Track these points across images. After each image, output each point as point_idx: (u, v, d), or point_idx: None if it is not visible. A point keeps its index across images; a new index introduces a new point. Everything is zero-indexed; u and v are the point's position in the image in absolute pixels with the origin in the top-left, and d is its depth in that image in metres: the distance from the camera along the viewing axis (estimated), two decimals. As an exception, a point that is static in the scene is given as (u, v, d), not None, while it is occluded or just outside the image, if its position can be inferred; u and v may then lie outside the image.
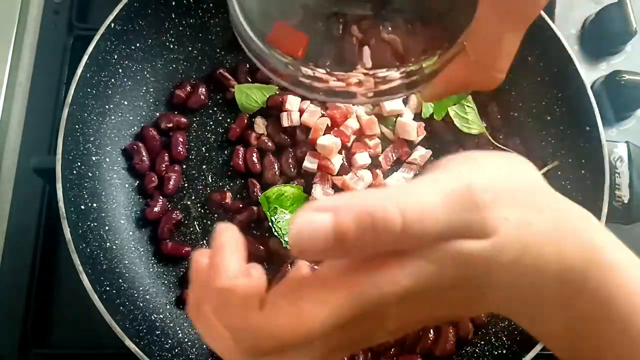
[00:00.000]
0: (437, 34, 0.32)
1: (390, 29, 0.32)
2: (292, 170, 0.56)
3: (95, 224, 0.52)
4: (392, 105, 0.57)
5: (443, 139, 0.59)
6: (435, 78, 0.31)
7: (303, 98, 0.58)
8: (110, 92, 0.55)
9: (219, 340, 0.25)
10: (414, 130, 0.57)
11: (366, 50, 0.31)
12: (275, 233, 0.53)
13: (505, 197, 0.25)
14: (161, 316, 0.52)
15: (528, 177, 0.27)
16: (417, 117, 0.59)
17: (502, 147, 0.58)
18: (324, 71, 0.29)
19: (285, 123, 0.57)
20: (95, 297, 0.46)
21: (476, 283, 0.25)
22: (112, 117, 0.55)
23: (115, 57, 0.55)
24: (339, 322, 0.23)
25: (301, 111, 0.57)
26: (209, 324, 0.24)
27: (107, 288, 0.49)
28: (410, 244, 0.23)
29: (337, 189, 0.56)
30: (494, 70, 0.30)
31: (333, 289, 0.23)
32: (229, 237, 0.25)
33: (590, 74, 0.64)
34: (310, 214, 0.22)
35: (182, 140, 0.57)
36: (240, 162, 0.57)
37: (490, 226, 0.24)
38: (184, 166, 0.57)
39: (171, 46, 0.58)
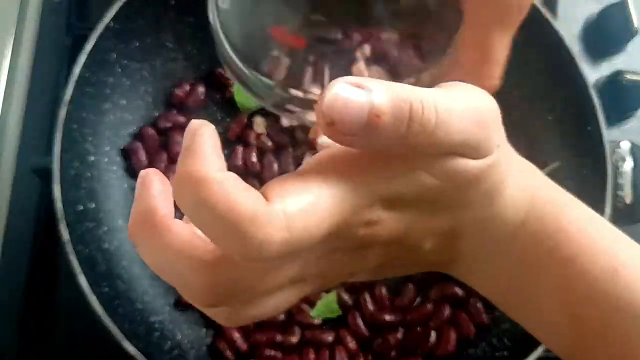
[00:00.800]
0: (429, 45, 0.31)
1: (382, 45, 0.31)
2: (292, 169, 0.56)
3: (94, 224, 0.51)
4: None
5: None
6: None
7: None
8: (108, 91, 0.55)
9: (185, 260, 0.21)
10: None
11: (358, 69, 0.31)
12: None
13: (499, 125, 0.25)
14: (160, 318, 0.52)
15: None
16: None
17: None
18: (316, 92, 0.29)
19: (285, 122, 0.57)
20: (93, 299, 0.46)
21: (453, 202, 0.25)
22: (111, 117, 0.55)
23: (114, 56, 0.54)
24: (345, 218, 0.22)
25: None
26: (171, 236, 0.21)
27: (106, 289, 0.49)
28: (424, 150, 0.22)
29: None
30: (487, 78, 0.29)
31: (344, 177, 0.22)
32: (209, 130, 0.22)
33: (591, 74, 0.64)
34: (344, 86, 0.20)
35: (180, 140, 0.56)
36: (239, 162, 0.56)
37: (489, 149, 0.24)
38: (183, 166, 0.57)
39: (170, 45, 0.58)
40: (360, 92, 0.20)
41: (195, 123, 0.22)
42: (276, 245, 0.20)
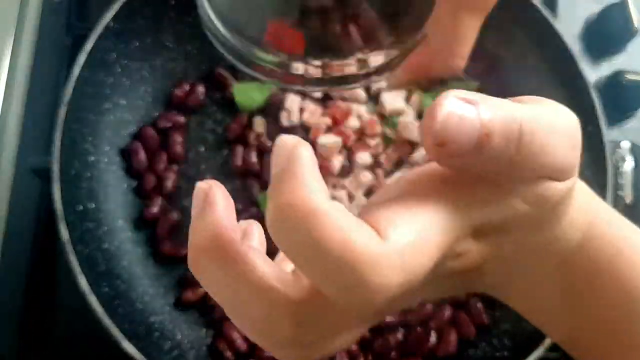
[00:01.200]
0: (401, 23, 0.31)
1: (350, 17, 0.31)
2: (292, 170, 0.56)
3: (93, 224, 0.51)
4: (393, 104, 0.57)
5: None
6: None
7: (303, 97, 0.57)
8: (108, 91, 0.55)
9: (266, 301, 0.18)
10: (415, 130, 0.57)
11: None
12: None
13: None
14: (160, 318, 0.52)
15: None
16: (419, 116, 0.58)
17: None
18: (319, 63, 0.28)
19: (284, 122, 0.56)
20: (93, 299, 0.46)
21: (531, 227, 0.23)
22: (111, 117, 0.55)
23: (114, 56, 0.54)
24: (446, 251, 0.20)
25: (301, 110, 0.57)
26: (248, 267, 0.18)
27: (106, 289, 0.49)
28: (525, 173, 0.21)
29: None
30: (454, 56, 0.28)
31: (445, 204, 0.20)
32: (308, 152, 0.18)
33: (592, 74, 0.64)
34: (456, 102, 0.19)
35: (180, 140, 0.56)
36: (239, 162, 0.56)
37: (575, 171, 0.22)
38: (183, 166, 0.57)
39: (170, 45, 0.58)
40: (471, 108, 0.19)
41: (289, 141, 0.19)
42: (393, 289, 0.17)
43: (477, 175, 0.21)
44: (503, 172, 0.20)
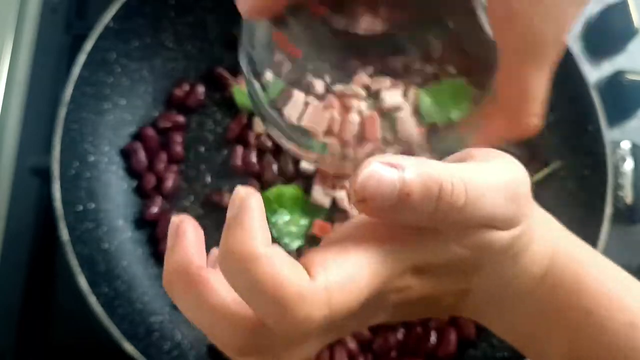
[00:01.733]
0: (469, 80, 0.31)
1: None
2: (292, 170, 0.56)
3: (93, 224, 0.51)
4: (391, 100, 0.57)
5: (444, 139, 0.58)
6: (474, 134, 0.31)
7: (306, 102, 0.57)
8: (108, 91, 0.54)
9: (224, 321, 0.22)
10: (412, 125, 0.57)
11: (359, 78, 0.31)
12: (274, 234, 0.53)
13: (529, 196, 0.26)
14: (160, 318, 0.52)
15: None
16: (415, 112, 0.58)
17: (503, 147, 0.57)
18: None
19: (285, 123, 0.56)
20: (93, 299, 0.46)
21: (481, 267, 0.26)
22: (111, 117, 0.55)
23: (114, 56, 0.54)
24: (379, 288, 0.23)
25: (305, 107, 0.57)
26: (209, 292, 0.22)
27: (105, 290, 0.49)
28: (453, 225, 0.23)
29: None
30: (526, 116, 0.29)
31: (378, 248, 0.23)
32: (256, 202, 0.21)
33: (592, 74, 0.64)
34: (378, 165, 0.22)
35: (180, 140, 0.56)
36: (238, 162, 0.56)
37: (518, 221, 0.25)
38: (183, 166, 0.57)
39: (169, 45, 0.58)
40: (392, 171, 0.21)
41: (241, 192, 0.21)
42: (316, 322, 0.20)
43: (412, 225, 0.23)
44: (431, 224, 0.23)
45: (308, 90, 0.30)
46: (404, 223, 0.23)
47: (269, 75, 0.30)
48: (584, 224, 0.48)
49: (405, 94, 0.59)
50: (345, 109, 0.31)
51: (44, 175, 0.50)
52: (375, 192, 0.21)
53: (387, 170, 0.21)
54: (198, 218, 0.55)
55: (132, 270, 0.52)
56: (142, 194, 0.55)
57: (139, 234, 0.54)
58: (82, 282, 0.46)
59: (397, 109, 0.58)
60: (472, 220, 0.23)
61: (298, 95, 0.31)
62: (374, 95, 0.58)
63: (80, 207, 0.51)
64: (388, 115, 0.54)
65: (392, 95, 0.56)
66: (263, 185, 0.55)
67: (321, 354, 0.51)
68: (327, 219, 0.54)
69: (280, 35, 0.30)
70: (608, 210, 0.50)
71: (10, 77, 0.61)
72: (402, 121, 0.56)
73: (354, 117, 0.31)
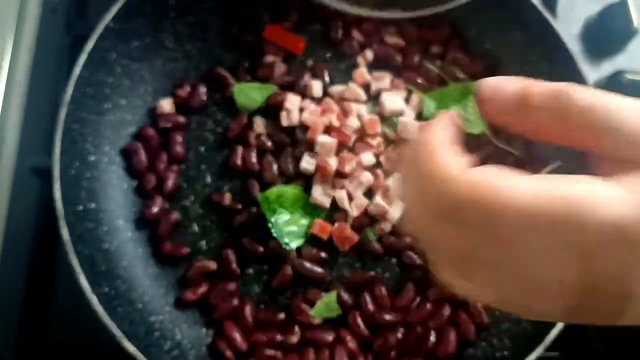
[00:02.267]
0: None
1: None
2: (292, 170, 0.56)
3: (94, 224, 0.51)
4: (393, 105, 0.57)
5: (444, 139, 0.58)
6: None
7: (303, 96, 0.57)
8: (108, 91, 0.55)
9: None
10: (415, 130, 0.57)
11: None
12: (275, 234, 0.53)
13: None
14: (160, 317, 0.52)
15: None
16: (419, 117, 0.58)
17: (503, 146, 0.57)
18: None
19: (284, 122, 0.56)
20: (93, 299, 0.46)
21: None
22: (111, 117, 0.55)
23: (114, 56, 0.54)
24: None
25: (301, 110, 0.57)
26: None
27: (106, 289, 0.49)
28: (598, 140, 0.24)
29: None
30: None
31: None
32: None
33: (592, 74, 0.64)
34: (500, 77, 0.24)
35: (180, 140, 0.56)
36: (239, 162, 0.56)
37: None
38: (183, 166, 0.57)
39: (170, 45, 0.58)
40: (514, 79, 0.27)
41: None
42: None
43: None
44: (563, 133, 0.24)
45: None
46: (534, 126, 0.24)
47: None
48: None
49: (408, 100, 0.59)
50: None
51: (44, 175, 0.50)
52: (496, 91, 0.24)
53: (508, 79, 0.24)
54: (198, 218, 0.55)
55: (132, 270, 0.52)
56: (143, 194, 0.55)
57: (139, 234, 0.54)
58: (83, 282, 0.46)
59: (399, 113, 0.57)
60: (617, 136, 0.23)
61: None
62: (374, 100, 0.57)
63: (81, 207, 0.51)
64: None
65: (394, 100, 0.56)
66: (263, 185, 0.55)
67: (321, 354, 0.51)
68: (327, 219, 0.54)
69: None
70: (608, 210, 0.50)
71: (10, 77, 0.61)
72: (404, 125, 0.56)
73: None
